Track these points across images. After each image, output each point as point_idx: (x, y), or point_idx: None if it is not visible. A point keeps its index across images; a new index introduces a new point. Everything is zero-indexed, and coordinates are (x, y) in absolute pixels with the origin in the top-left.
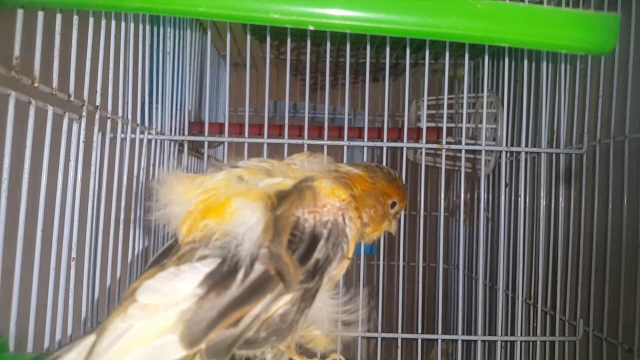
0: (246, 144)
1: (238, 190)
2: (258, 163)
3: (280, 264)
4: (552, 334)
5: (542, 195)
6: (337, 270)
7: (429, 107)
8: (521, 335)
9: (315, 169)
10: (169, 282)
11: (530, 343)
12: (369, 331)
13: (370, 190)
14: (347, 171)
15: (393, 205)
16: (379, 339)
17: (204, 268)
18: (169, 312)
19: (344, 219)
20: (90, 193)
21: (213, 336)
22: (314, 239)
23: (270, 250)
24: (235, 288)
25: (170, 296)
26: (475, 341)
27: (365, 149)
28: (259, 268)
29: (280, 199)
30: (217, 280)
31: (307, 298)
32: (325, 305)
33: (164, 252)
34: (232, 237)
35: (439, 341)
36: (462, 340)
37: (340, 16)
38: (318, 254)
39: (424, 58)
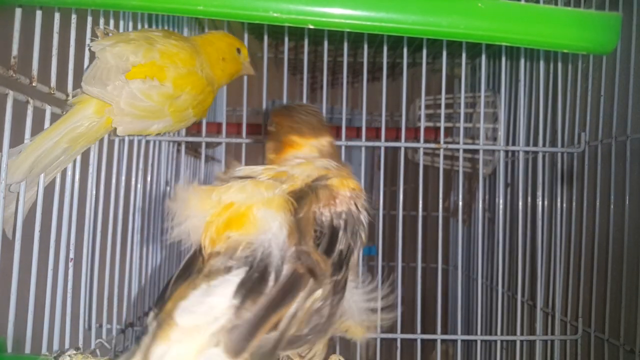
0: (244, 145)
1: (258, 200)
2: (259, 172)
3: (309, 261)
4: (552, 333)
5: (542, 195)
6: (356, 254)
7: (429, 107)
8: (521, 334)
9: (314, 171)
10: (204, 300)
11: (530, 342)
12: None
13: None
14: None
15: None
16: (378, 340)
17: (234, 279)
18: (210, 328)
19: (357, 207)
20: (88, 193)
21: (256, 342)
22: (334, 232)
23: (297, 250)
24: (269, 291)
25: (209, 314)
26: (475, 341)
27: (363, 148)
28: (288, 268)
29: (298, 201)
30: (250, 287)
31: (339, 290)
32: (351, 294)
33: (187, 266)
34: (259, 244)
35: (439, 341)
36: (462, 340)
37: (340, 15)
38: (340, 245)
39: (423, 58)
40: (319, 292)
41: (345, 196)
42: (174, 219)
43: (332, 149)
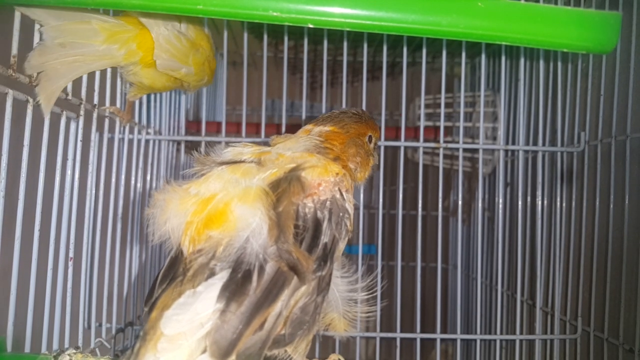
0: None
1: (235, 194)
2: (245, 154)
3: (291, 259)
4: (552, 332)
5: (541, 195)
6: (341, 245)
7: (428, 106)
8: (520, 334)
9: (300, 148)
10: (189, 308)
11: (529, 342)
12: (367, 330)
13: (348, 140)
14: (319, 132)
15: (370, 139)
16: (378, 339)
17: (218, 282)
18: (196, 335)
19: (341, 194)
20: (88, 192)
21: (242, 344)
22: (318, 224)
23: (278, 248)
24: (252, 293)
25: (194, 321)
26: (474, 340)
27: None
28: (270, 267)
29: (278, 194)
30: (234, 290)
31: (324, 286)
32: (335, 285)
33: (170, 267)
34: (239, 243)
35: (438, 340)
36: (461, 340)
37: (339, 14)
38: (324, 237)
39: (423, 57)
40: (303, 289)
41: (330, 182)
42: (154, 224)
43: (345, 146)
